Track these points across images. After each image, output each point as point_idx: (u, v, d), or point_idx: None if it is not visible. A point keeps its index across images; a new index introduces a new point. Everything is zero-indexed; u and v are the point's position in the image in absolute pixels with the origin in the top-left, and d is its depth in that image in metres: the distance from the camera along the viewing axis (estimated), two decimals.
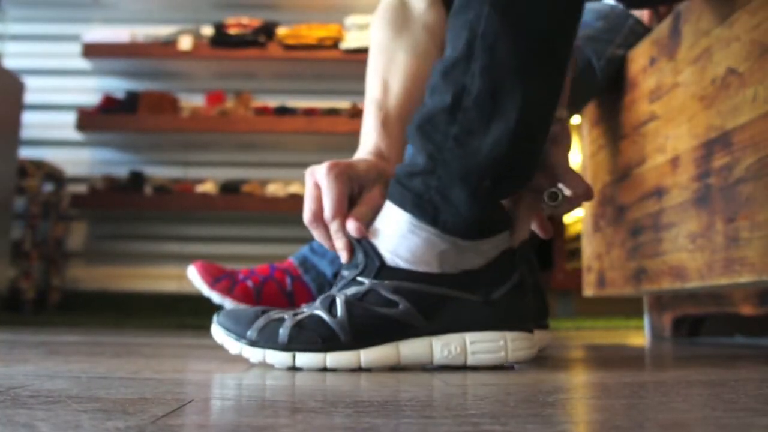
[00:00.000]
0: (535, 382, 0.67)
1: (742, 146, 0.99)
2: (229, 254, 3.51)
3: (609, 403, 0.52)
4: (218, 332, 0.83)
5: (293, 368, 0.77)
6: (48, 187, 3.29)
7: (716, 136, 1.06)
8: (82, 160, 3.58)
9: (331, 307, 0.78)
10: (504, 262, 0.80)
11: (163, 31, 3.49)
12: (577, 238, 3.24)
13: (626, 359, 1.02)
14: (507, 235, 0.81)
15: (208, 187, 3.40)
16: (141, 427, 0.40)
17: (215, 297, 1.25)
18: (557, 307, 3.29)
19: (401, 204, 0.79)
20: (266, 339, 0.78)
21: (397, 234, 0.79)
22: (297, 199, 3.31)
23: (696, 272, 1.13)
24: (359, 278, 0.79)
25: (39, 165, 3.15)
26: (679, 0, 1.17)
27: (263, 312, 0.82)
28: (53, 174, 3.28)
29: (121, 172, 3.53)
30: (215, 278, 1.27)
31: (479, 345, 0.78)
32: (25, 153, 3.16)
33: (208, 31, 3.50)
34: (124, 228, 3.58)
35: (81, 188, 3.46)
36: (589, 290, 1.65)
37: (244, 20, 3.46)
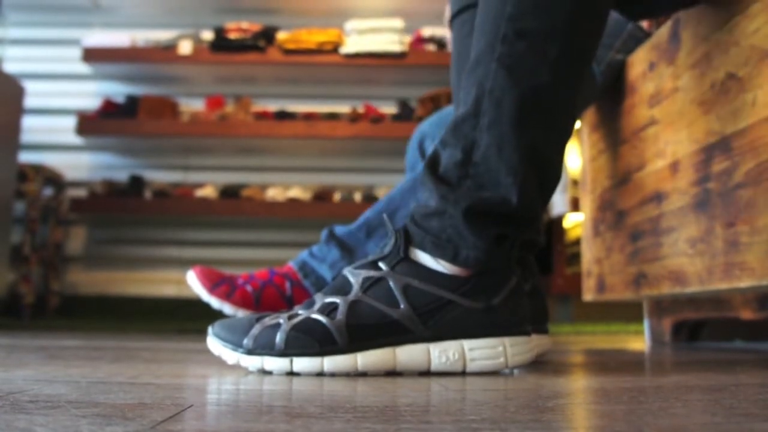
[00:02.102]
0: (534, 387, 0.67)
1: (742, 151, 0.99)
2: (228, 259, 3.51)
3: (609, 409, 0.52)
4: (214, 344, 0.83)
5: (291, 373, 0.77)
6: (48, 192, 3.29)
7: (716, 141, 1.06)
8: (81, 165, 3.58)
9: (330, 311, 0.79)
10: (503, 267, 0.81)
11: (163, 35, 3.49)
12: (577, 242, 3.24)
13: (626, 364, 1.02)
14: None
15: (207, 192, 3.40)
16: None
17: (214, 302, 1.25)
18: (557, 312, 3.29)
19: (420, 245, 0.81)
20: (263, 346, 0.78)
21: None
22: (297, 204, 3.31)
23: (696, 277, 1.13)
24: (380, 263, 0.81)
25: (39, 169, 3.15)
26: (679, 9, 1.17)
27: (257, 319, 0.81)
28: (53, 178, 3.29)
29: (121, 176, 3.54)
30: (214, 283, 1.27)
31: (478, 351, 0.78)
32: (25, 157, 3.16)
33: (208, 35, 3.51)
34: (123, 232, 3.57)
35: (81, 192, 3.46)
36: (588, 295, 1.65)
37: (244, 25, 3.47)
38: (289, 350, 0.77)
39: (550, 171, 0.84)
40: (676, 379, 0.76)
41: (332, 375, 0.77)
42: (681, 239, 1.18)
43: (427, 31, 3.49)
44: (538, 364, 0.98)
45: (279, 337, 0.78)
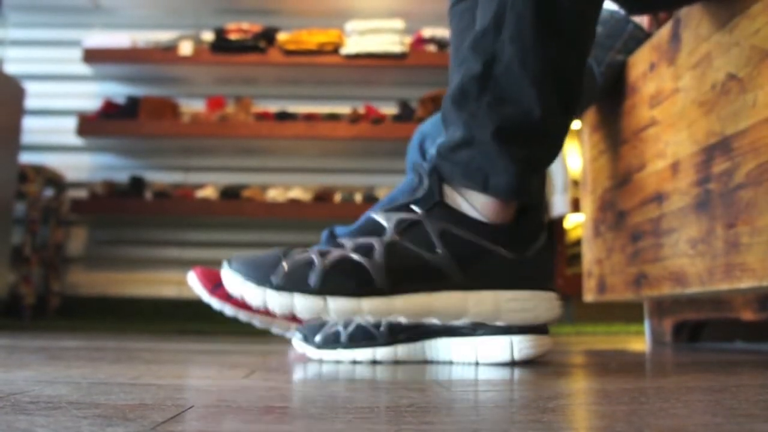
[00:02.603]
0: (535, 387, 0.67)
1: (742, 152, 0.99)
2: None
3: (609, 409, 0.52)
4: (234, 280, 0.76)
5: (324, 313, 0.73)
6: (48, 192, 3.29)
7: (716, 142, 1.06)
8: (82, 165, 3.58)
9: (367, 251, 0.75)
10: (534, 220, 0.81)
11: (163, 36, 3.49)
12: (578, 243, 3.24)
13: (627, 365, 1.02)
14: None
15: (208, 193, 3.40)
16: None
17: (215, 303, 1.25)
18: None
19: (449, 178, 0.79)
20: (294, 282, 0.73)
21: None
22: (297, 205, 3.31)
23: (696, 277, 1.13)
24: (413, 206, 0.78)
25: (39, 170, 3.15)
26: (680, 6, 1.17)
27: (284, 254, 0.76)
28: (53, 179, 3.29)
29: (122, 177, 3.54)
30: (215, 284, 1.27)
31: (513, 303, 0.77)
32: (26, 158, 3.16)
33: (208, 36, 3.51)
34: (124, 233, 3.58)
35: (81, 193, 3.46)
36: (589, 295, 1.65)
37: (245, 26, 3.47)
38: (324, 288, 0.73)
39: (571, 87, 0.82)
40: (676, 380, 0.76)
41: (368, 316, 0.74)
42: (682, 240, 1.18)
43: (427, 32, 3.49)
44: (539, 365, 0.98)
45: (313, 275, 0.73)
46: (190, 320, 3.04)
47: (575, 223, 3.38)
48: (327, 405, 0.54)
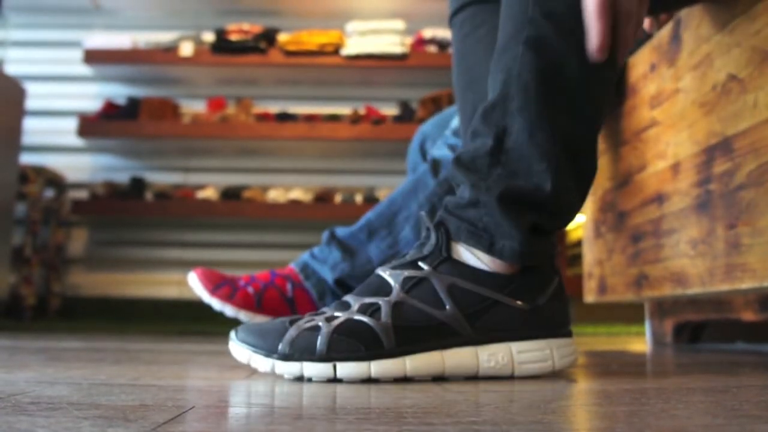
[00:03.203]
0: (536, 389, 0.67)
1: (743, 152, 0.99)
2: (229, 260, 3.51)
3: (610, 410, 0.52)
4: (241, 351, 0.77)
5: (334, 380, 0.72)
6: (49, 193, 3.30)
7: (717, 142, 1.06)
8: (83, 166, 3.58)
9: (373, 312, 0.75)
10: (546, 266, 0.79)
11: (164, 37, 3.49)
12: (578, 244, 3.24)
13: (627, 366, 1.02)
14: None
15: (208, 193, 3.40)
16: None
17: (216, 304, 1.25)
18: None
19: (456, 234, 0.78)
20: (302, 351, 0.73)
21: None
22: (298, 205, 3.32)
23: (697, 278, 1.13)
24: (420, 263, 0.77)
25: (40, 171, 3.16)
26: (681, 7, 1.17)
27: (291, 322, 0.76)
28: (54, 180, 3.29)
29: (122, 178, 3.54)
30: (216, 285, 1.27)
31: (526, 355, 0.76)
32: (26, 159, 3.17)
33: (209, 37, 3.51)
34: (124, 234, 3.58)
35: (82, 194, 3.46)
36: (590, 296, 1.65)
37: (245, 26, 3.47)
38: (332, 354, 0.72)
39: (584, 159, 0.81)
40: (677, 381, 0.76)
41: (378, 380, 0.73)
42: (682, 241, 1.18)
43: (428, 33, 3.49)
44: None
45: (320, 341, 0.73)
46: (191, 321, 3.04)
47: (576, 224, 3.38)
48: (328, 406, 0.54)
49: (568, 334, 0.80)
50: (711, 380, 0.76)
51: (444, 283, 0.76)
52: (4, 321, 2.81)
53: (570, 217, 0.82)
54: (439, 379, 0.76)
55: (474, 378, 0.76)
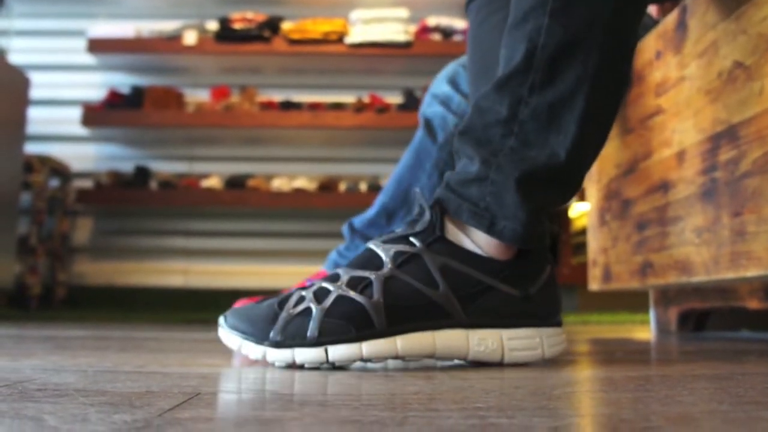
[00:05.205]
0: (541, 375, 0.67)
1: (749, 140, 0.99)
2: (234, 249, 3.52)
3: (615, 397, 0.52)
4: (232, 338, 0.75)
5: (327, 363, 0.72)
6: (54, 183, 3.30)
7: (722, 130, 1.06)
8: (87, 156, 3.59)
9: (364, 288, 0.73)
10: (539, 254, 0.79)
11: (167, 26, 3.49)
12: (583, 232, 3.24)
13: (632, 353, 1.02)
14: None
15: (213, 182, 3.41)
16: (148, 420, 0.40)
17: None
18: (563, 302, 3.29)
19: (456, 213, 0.77)
20: (293, 337, 0.72)
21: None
22: (302, 194, 3.32)
23: (702, 266, 1.13)
24: (412, 239, 0.76)
25: (45, 160, 3.16)
26: None
27: (279, 305, 0.75)
28: (59, 169, 3.29)
29: (127, 167, 3.54)
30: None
31: (516, 342, 0.76)
32: (31, 148, 3.17)
33: (212, 26, 3.51)
34: (129, 223, 3.58)
35: (86, 183, 3.47)
36: (594, 284, 1.65)
37: (249, 15, 3.46)
38: (323, 339, 0.71)
39: (600, 133, 0.81)
40: (682, 368, 0.76)
41: (369, 361, 0.73)
42: (687, 228, 1.18)
43: (432, 21, 3.48)
44: None
45: (311, 326, 0.72)
46: (196, 309, 3.05)
47: (581, 212, 3.38)
48: (333, 392, 0.55)
49: (557, 324, 0.80)
50: (716, 367, 0.76)
51: (436, 262, 0.74)
52: (10, 310, 2.82)
53: (576, 190, 0.82)
54: (445, 365, 0.76)
55: (479, 366, 0.76)
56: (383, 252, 0.76)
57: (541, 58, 0.76)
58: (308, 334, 0.72)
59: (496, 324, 0.76)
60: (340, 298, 0.73)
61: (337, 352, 0.71)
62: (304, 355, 0.71)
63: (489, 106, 0.78)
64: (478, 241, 0.77)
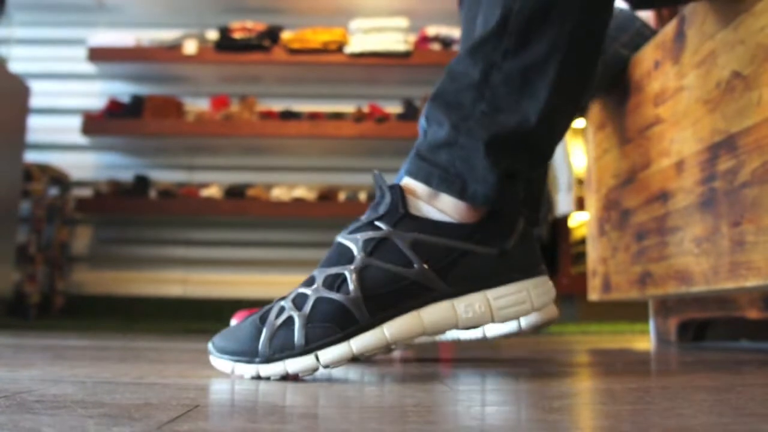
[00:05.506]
0: (540, 387, 0.67)
1: (748, 150, 0.99)
2: (233, 258, 3.52)
3: (615, 409, 0.52)
4: (223, 363, 0.75)
5: (321, 369, 0.72)
6: (53, 191, 3.30)
7: (721, 140, 1.06)
8: (87, 164, 3.59)
9: (340, 285, 0.73)
10: (509, 211, 0.78)
11: (168, 35, 3.50)
12: (582, 242, 3.24)
13: (632, 364, 1.02)
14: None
15: (212, 192, 3.41)
16: None
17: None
18: (562, 312, 3.28)
19: (426, 180, 0.76)
20: (281, 348, 0.72)
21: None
22: (302, 204, 3.32)
23: (701, 276, 1.12)
24: (377, 223, 0.75)
25: (44, 169, 3.16)
26: (684, 2, 1.17)
27: (262, 319, 0.75)
28: (58, 178, 3.29)
29: (126, 176, 3.54)
30: None
31: (504, 300, 0.74)
32: (31, 157, 3.17)
33: (212, 35, 3.51)
34: (128, 232, 3.58)
35: (86, 192, 3.47)
36: (594, 294, 1.65)
37: (249, 24, 3.47)
38: (310, 345, 0.71)
39: (572, 101, 0.80)
40: (682, 380, 0.75)
41: (363, 356, 0.72)
42: (686, 238, 1.18)
43: (432, 30, 3.49)
44: (543, 364, 0.98)
45: (297, 335, 0.71)
46: (195, 319, 3.05)
47: (580, 222, 3.38)
48: (332, 404, 0.54)
49: (542, 273, 0.78)
50: (716, 379, 0.75)
51: (406, 241, 0.73)
52: (9, 319, 2.81)
53: (546, 158, 0.81)
54: (444, 376, 0.76)
55: (479, 378, 0.76)
56: (352, 243, 0.75)
57: (515, 23, 0.76)
58: (295, 343, 0.71)
59: (479, 287, 0.74)
60: (318, 301, 0.73)
61: (328, 355, 0.71)
62: (296, 365, 0.71)
63: (461, 71, 0.78)
64: (445, 209, 0.76)
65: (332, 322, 0.71)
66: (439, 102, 0.79)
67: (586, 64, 0.80)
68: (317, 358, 0.71)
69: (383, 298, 0.72)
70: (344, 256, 0.75)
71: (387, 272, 0.73)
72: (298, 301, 0.74)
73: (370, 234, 0.74)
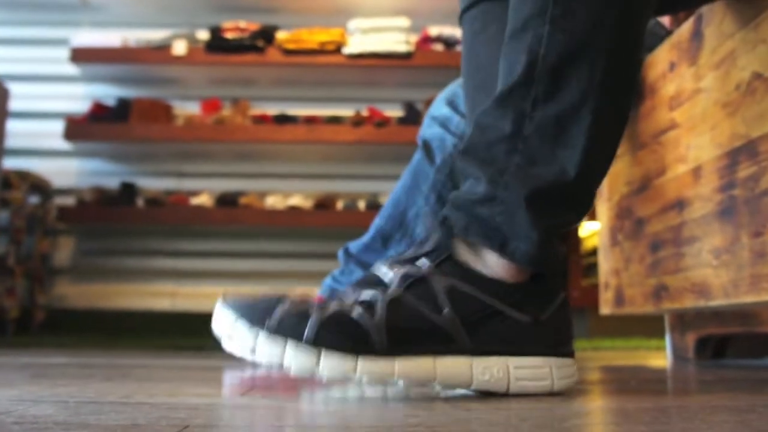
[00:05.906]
0: (549, 406, 0.67)
1: None
2: (225, 270, 3.51)
3: (628, 430, 0.52)
4: (226, 316, 0.74)
5: (315, 371, 0.71)
6: (33, 200, 3.30)
7: (741, 145, 1.06)
8: (69, 171, 3.58)
9: (368, 307, 0.73)
10: (552, 278, 0.79)
11: (156, 35, 3.50)
12: (594, 252, 3.24)
13: (646, 382, 1.02)
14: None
15: (203, 200, 3.40)
16: None
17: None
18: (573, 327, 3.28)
19: (465, 232, 0.77)
20: (288, 329, 0.71)
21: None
22: (297, 212, 3.31)
23: (721, 289, 1.12)
24: (420, 261, 0.76)
25: (24, 176, 3.16)
26: (702, 4, 1.17)
27: (281, 300, 0.74)
28: (39, 185, 3.29)
29: (112, 183, 3.54)
30: None
31: (523, 371, 0.75)
32: (10, 163, 3.16)
33: (203, 35, 3.51)
34: (114, 243, 3.58)
35: (68, 200, 3.46)
36: (606, 308, 1.64)
37: (242, 24, 3.48)
38: (318, 341, 0.71)
39: (609, 146, 0.81)
40: (700, 399, 0.75)
41: (361, 380, 0.72)
42: (704, 249, 1.17)
43: (434, 30, 3.49)
44: None
45: (308, 329, 0.71)
46: (184, 335, 3.04)
47: (591, 232, 3.38)
48: (330, 423, 0.54)
49: (570, 354, 0.79)
50: (736, 398, 0.75)
51: (443, 284, 0.74)
52: None
53: (588, 207, 0.82)
54: (448, 395, 0.76)
55: (484, 397, 0.76)
56: (390, 274, 0.76)
57: (543, 69, 0.76)
58: (305, 334, 0.71)
59: (503, 351, 0.75)
60: (340, 313, 0.73)
61: (330, 361, 0.71)
62: (295, 352, 0.70)
63: (490, 123, 0.79)
64: (489, 263, 0.77)
65: (347, 336, 0.72)
66: (471, 156, 0.80)
67: (622, 104, 0.81)
68: (319, 356, 0.71)
69: (405, 333, 0.73)
70: (380, 284, 0.76)
71: (416, 310, 0.74)
72: (322, 306, 0.74)
73: (409, 270, 0.76)
